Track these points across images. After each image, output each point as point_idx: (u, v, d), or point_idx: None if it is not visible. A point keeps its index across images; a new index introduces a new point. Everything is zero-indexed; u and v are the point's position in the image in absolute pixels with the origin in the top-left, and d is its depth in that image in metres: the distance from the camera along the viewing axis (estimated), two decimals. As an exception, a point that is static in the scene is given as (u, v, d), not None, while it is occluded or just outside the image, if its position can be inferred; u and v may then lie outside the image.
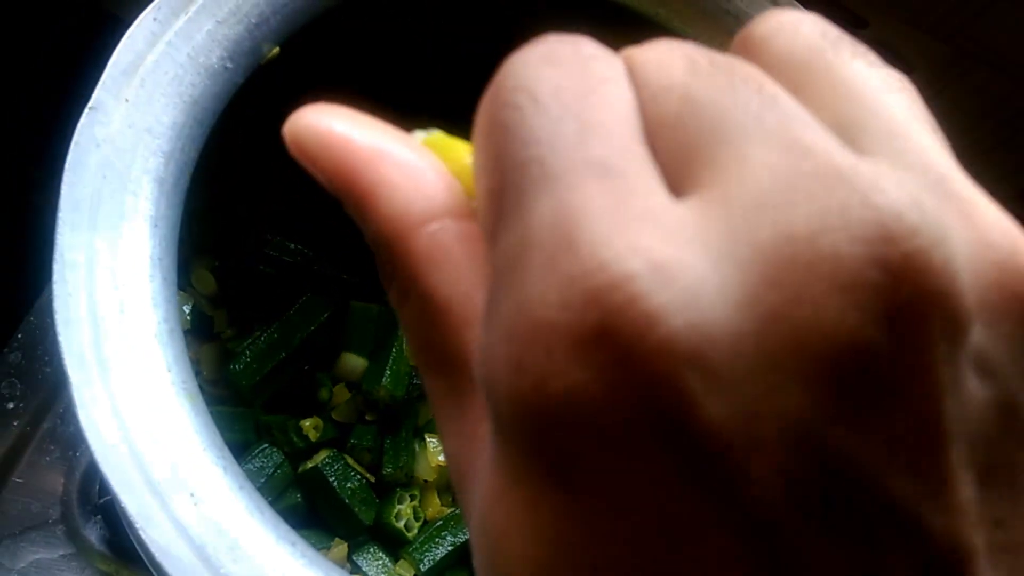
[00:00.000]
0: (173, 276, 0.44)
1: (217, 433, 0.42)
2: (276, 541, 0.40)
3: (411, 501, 0.61)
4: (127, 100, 0.44)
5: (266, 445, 0.57)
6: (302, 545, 0.41)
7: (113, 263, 0.42)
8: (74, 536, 0.64)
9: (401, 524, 0.59)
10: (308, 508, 0.59)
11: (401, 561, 0.59)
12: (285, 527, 0.41)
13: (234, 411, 0.59)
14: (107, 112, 0.44)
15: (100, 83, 0.44)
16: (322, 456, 0.59)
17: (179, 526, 0.38)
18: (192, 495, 0.39)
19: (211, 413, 0.57)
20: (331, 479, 0.58)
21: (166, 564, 0.37)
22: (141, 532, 0.37)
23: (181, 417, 0.40)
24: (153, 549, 0.37)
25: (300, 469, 0.59)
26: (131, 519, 0.37)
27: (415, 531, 0.60)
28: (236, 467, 0.41)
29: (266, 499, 0.56)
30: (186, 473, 0.39)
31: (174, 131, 0.45)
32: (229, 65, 0.48)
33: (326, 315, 0.62)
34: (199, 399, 0.42)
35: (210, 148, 0.49)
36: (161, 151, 0.45)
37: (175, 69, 0.46)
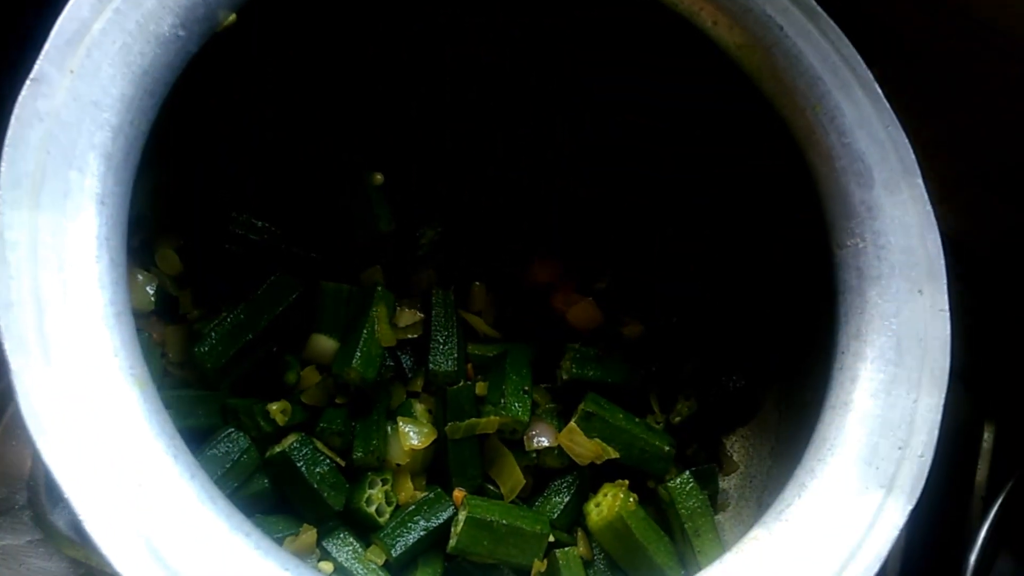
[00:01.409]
0: (122, 257, 0.42)
1: (169, 420, 0.40)
2: (229, 531, 0.38)
3: (383, 485, 0.59)
4: (72, 71, 0.42)
5: (232, 429, 0.55)
6: (257, 535, 0.39)
7: (57, 243, 0.40)
8: (41, 522, 0.62)
9: (372, 509, 0.58)
10: (276, 494, 0.58)
11: (372, 547, 0.58)
12: (239, 517, 0.40)
13: (199, 395, 0.57)
14: (50, 84, 0.42)
15: (43, 53, 0.42)
16: (290, 440, 0.57)
17: (126, 517, 0.37)
18: (140, 485, 0.37)
19: (175, 397, 0.56)
20: (299, 464, 0.56)
21: (111, 556, 0.36)
22: (85, 523, 0.36)
23: (130, 404, 0.39)
24: (98, 540, 0.36)
25: (267, 454, 0.57)
26: (75, 510, 0.36)
27: (387, 516, 0.59)
28: (188, 455, 0.40)
29: (232, 485, 0.54)
30: (133, 462, 0.38)
31: (123, 103, 0.43)
32: (182, 33, 0.45)
33: (295, 295, 0.61)
34: (149, 385, 0.40)
35: (166, 121, 0.47)
36: (109, 125, 0.42)
37: (123, 38, 0.43)
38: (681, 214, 0.70)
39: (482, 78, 0.67)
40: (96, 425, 0.38)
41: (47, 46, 0.42)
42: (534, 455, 0.62)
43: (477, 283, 0.68)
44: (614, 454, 0.61)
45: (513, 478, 0.61)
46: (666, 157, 0.68)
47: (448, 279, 0.67)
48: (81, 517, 0.36)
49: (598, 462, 0.62)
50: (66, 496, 0.36)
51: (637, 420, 0.64)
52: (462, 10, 0.63)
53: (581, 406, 0.62)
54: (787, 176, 0.56)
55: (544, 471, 0.63)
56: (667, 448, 0.63)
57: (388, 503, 0.59)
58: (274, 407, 0.57)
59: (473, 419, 0.60)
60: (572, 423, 0.62)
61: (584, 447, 0.61)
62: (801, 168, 0.54)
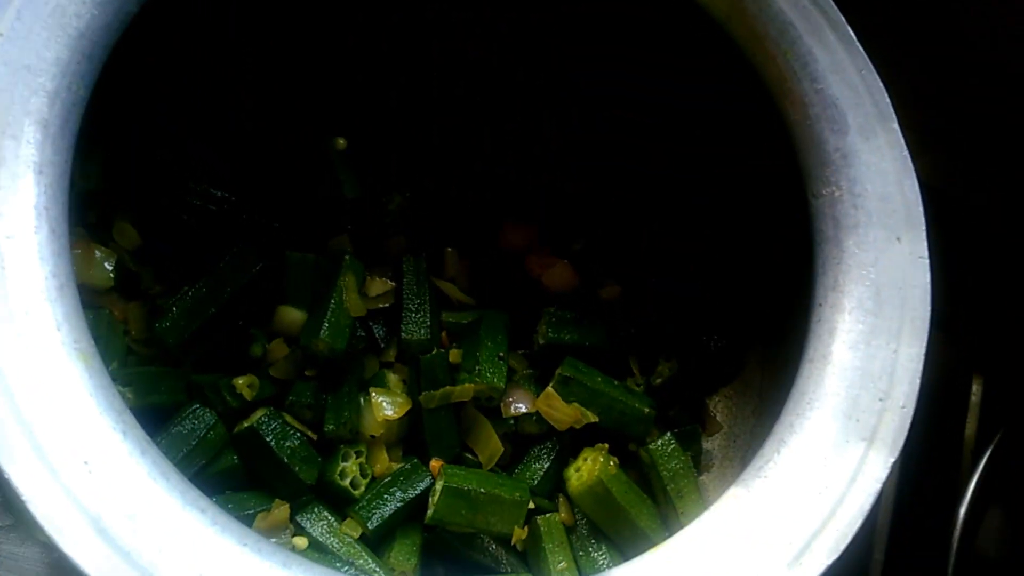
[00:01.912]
0: (63, 228, 0.40)
1: (117, 396, 0.38)
2: (183, 507, 0.37)
3: (357, 458, 0.58)
4: (1, 34, 0.40)
5: (197, 406, 0.53)
6: (213, 511, 0.38)
7: (-9, 214, 0.38)
8: (11, 507, 0.61)
9: (347, 482, 0.57)
10: (246, 470, 0.56)
11: (348, 520, 0.56)
12: (195, 493, 0.38)
13: (162, 371, 0.56)
14: (-22, 48, 0.40)
15: (-31, 16, 0.40)
16: (258, 415, 0.56)
17: (71, 496, 0.35)
18: (86, 463, 0.36)
19: (138, 374, 0.54)
20: (268, 438, 0.55)
21: (57, 537, 0.34)
22: (28, 504, 0.34)
23: (73, 379, 0.37)
24: (43, 522, 0.35)
25: (235, 429, 0.56)
26: (16, 491, 0.34)
27: (362, 489, 0.57)
28: (139, 431, 0.38)
29: (199, 462, 0.53)
30: (79, 440, 0.36)
31: (58, 67, 0.41)
32: (119, -7, 0.43)
33: (258, 267, 0.59)
34: (95, 359, 0.39)
35: (111, 86, 0.45)
36: (44, 90, 0.41)
37: (55, -1, 0.41)
38: (665, 186, 0.68)
39: (469, 73, 0.66)
40: (38, 402, 0.36)
41: (-26, 8, 0.40)
42: (512, 422, 0.61)
43: (449, 249, 0.66)
44: (593, 418, 0.60)
45: (491, 446, 0.60)
46: (654, 153, 0.67)
47: (419, 246, 0.65)
48: (24, 498, 0.34)
49: (577, 427, 0.60)
50: (6, 476, 0.34)
51: (616, 383, 0.63)
52: (449, 5, 0.62)
53: (558, 371, 0.61)
54: (761, 124, 0.54)
55: (523, 438, 0.62)
56: (647, 410, 0.62)
57: (363, 475, 0.58)
58: (240, 381, 0.56)
59: (448, 387, 0.59)
60: (549, 388, 0.60)
61: (562, 412, 0.60)
62: (774, 117, 0.52)
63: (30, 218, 0.39)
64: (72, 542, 0.34)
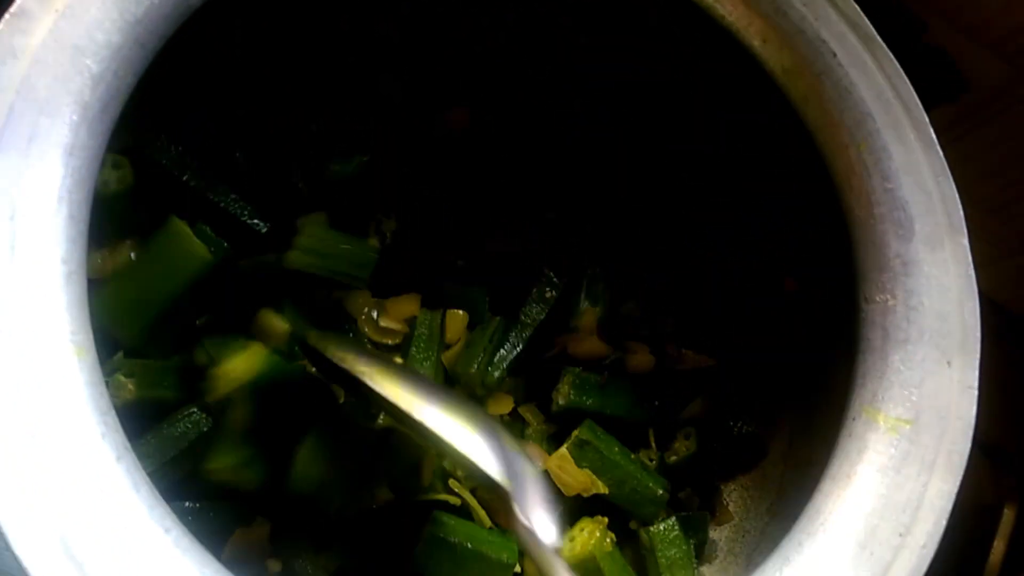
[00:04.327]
0: (83, 214, 0.39)
1: (105, 393, 0.37)
2: (148, 518, 0.35)
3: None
4: (56, 10, 0.39)
5: (194, 410, 0.51)
6: (178, 532, 0.36)
7: (12, 188, 0.37)
8: None
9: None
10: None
11: (326, 553, 0.54)
12: (163, 509, 0.36)
13: (167, 365, 0.53)
14: (31, 20, 0.39)
15: (27, -13, 0.39)
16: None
17: (40, 499, 0.34)
18: (59, 462, 0.34)
19: (143, 366, 0.53)
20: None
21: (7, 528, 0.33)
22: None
23: (68, 371, 0.36)
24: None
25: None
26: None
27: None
28: (119, 435, 0.36)
29: (186, 467, 0.51)
30: (59, 437, 0.35)
31: (109, 51, 0.40)
32: (185, -17, 0.43)
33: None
34: (91, 353, 0.37)
35: (159, 76, 0.44)
36: (89, 72, 0.40)
37: (118, -20, 0.41)
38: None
39: (474, 64, 0.64)
40: (24, 391, 0.35)
41: (33, -21, 0.39)
42: None
43: (460, 312, 0.63)
44: (603, 489, 0.57)
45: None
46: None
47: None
48: (-15, 488, 0.33)
49: (585, 495, 0.58)
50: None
51: (633, 456, 0.60)
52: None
53: (576, 432, 0.58)
54: (818, 212, 0.51)
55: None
56: (660, 492, 0.59)
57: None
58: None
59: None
60: (564, 449, 0.58)
61: (573, 477, 0.57)
62: (836, 209, 0.50)
63: (52, 198, 0.38)
64: (21, 539, 0.33)
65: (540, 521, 0.40)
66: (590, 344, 0.62)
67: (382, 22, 0.62)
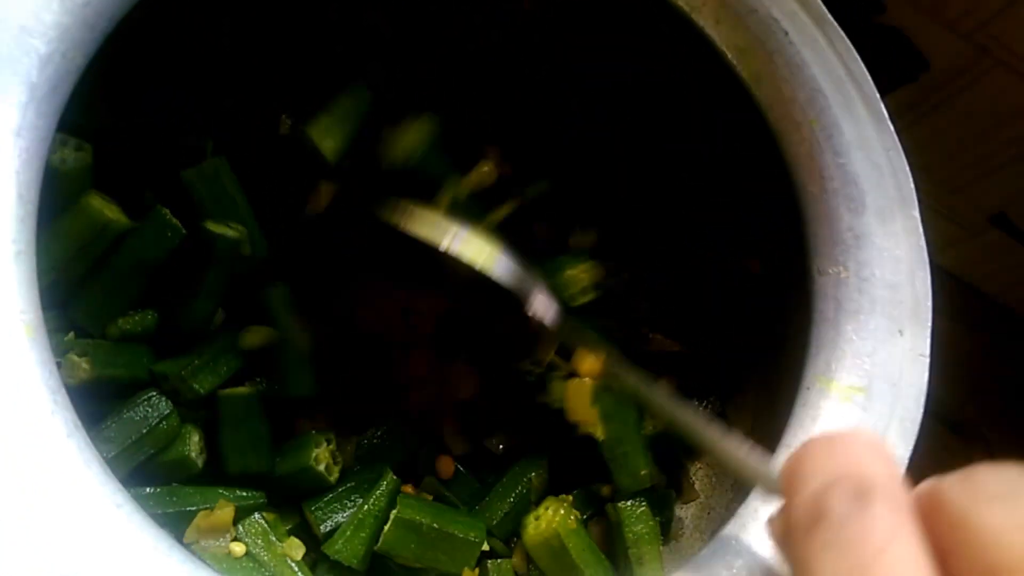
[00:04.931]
0: (32, 195, 0.39)
1: (56, 374, 0.37)
2: (106, 499, 0.35)
3: (328, 445, 0.57)
4: (2, -9, 0.40)
5: (153, 393, 0.52)
6: (129, 507, 0.36)
7: (-42, 170, 0.37)
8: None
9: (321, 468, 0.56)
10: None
11: (291, 539, 0.54)
12: (115, 485, 0.37)
13: (122, 345, 0.53)
14: (-24, 1, 0.39)
15: (-28, -32, 0.39)
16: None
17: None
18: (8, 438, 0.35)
19: (96, 345, 0.52)
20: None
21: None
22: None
23: (19, 348, 0.36)
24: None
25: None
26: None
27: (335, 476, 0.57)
28: (68, 412, 0.37)
29: (147, 451, 0.52)
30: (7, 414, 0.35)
31: (56, 32, 0.40)
32: (133, -36, 0.43)
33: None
34: (40, 332, 0.37)
35: (118, 57, 0.44)
36: (36, 53, 0.40)
37: (65, -39, 0.41)
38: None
39: (469, 61, 0.64)
40: (-32, 369, 0.35)
41: (-24, -40, 0.39)
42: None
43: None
44: (600, 435, 0.57)
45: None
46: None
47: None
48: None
49: (580, 428, 0.58)
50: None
51: (641, 431, 0.60)
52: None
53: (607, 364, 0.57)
54: (775, 190, 0.52)
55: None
56: (643, 472, 0.59)
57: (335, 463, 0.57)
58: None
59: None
60: (590, 380, 0.57)
61: (583, 407, 0.57)
62: (789, 185, 0.50)
63: (0, 179, 0.38)
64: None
65: (544, 309, 0.52)
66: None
67: (371, 12, 0.62)
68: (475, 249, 0.51)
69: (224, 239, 0.54)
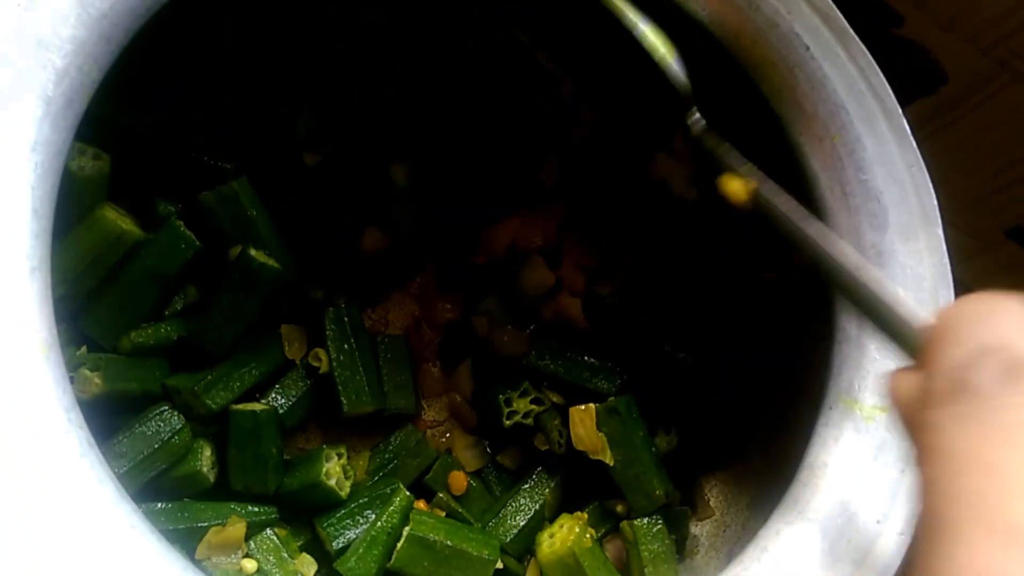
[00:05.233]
0: (48, 209, 0.39)
1: (71, 391, 0.37)
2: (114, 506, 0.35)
3: (339, 460, 0.56)
4: (19, 3, 0.39)
5: (166, 408, 0.51)
6: (144, 527, 0.36)
7: (-28, 185, 0.37)
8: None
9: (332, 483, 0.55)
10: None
11: (303, 556, 0.53)
12: (130, 505, 0.36)
13: (135, 360, 0.53)
14: (-6, 15, 0.39)
15: (-9, -19, 0.39)
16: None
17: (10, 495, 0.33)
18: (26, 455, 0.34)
19: (108, 360, 0.52)
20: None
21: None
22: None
23: (34, 367, 0.35)
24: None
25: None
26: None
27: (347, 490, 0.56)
28: (83, 431, 0.36)
29: (159, 466, 0.51)
30: (13, 427, 0.34)
31: (73, 45, 0.40)
32: (150, -23, 0.42)
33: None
34: (55, 349, 0.37)
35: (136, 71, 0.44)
36: (53, 66, 0.39)
37: (82, -26, 0.40)
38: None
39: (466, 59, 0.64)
40: (-18, 387, 0.34)
41: (-3, -26, 0.39)
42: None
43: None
44: (610, 460, 0.56)
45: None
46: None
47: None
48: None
49: (591, 456, 0.57)
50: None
51: (653, 449, 0.59)
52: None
53: (612, 400, 0.58)
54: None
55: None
56: (658, 492, 0.58)
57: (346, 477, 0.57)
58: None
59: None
60: (592, 406, 0.57)
61: (588, 434, 0.57)
62: (810, 201, 0.49)
63: (14, 194, 0.37)
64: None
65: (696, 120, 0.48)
66: None
67: (370, 9, 0.61)
68: (659, 40, 0.48)
69: (268, 269, 0.53)
